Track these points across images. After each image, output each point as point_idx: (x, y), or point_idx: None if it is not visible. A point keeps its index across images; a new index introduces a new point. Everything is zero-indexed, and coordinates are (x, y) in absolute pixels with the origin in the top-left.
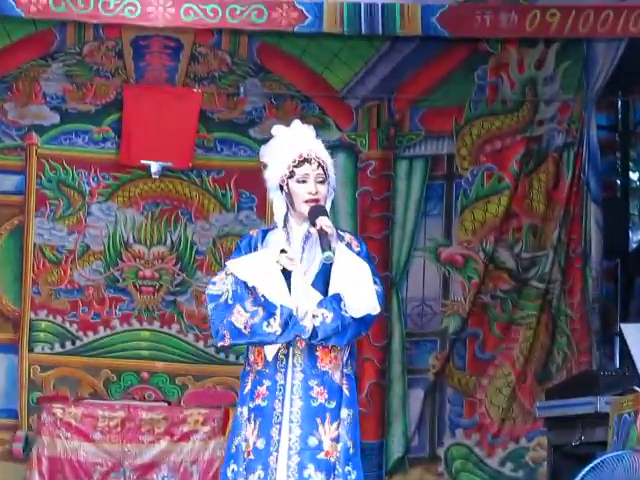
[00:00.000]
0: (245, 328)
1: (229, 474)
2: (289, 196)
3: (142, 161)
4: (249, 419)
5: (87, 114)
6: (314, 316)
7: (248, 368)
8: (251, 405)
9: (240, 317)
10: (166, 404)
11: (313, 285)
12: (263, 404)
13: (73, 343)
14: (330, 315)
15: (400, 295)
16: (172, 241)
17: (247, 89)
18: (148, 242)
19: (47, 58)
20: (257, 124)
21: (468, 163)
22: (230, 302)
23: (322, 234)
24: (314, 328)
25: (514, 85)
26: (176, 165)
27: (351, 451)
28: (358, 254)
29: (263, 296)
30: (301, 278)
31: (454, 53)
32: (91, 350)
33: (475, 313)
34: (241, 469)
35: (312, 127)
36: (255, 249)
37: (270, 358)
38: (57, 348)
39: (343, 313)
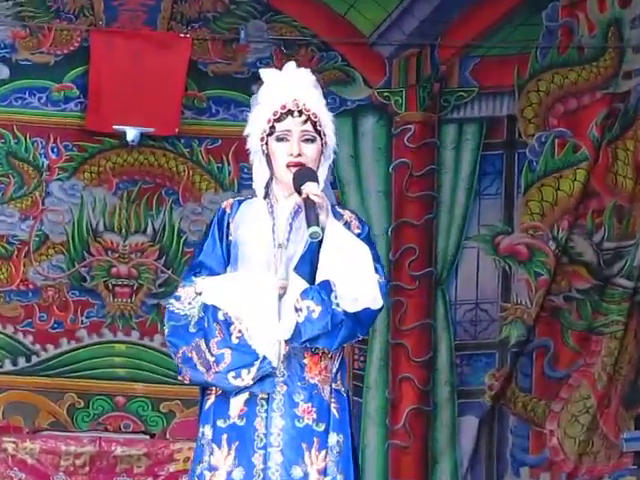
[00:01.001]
0: (207, 373)
1: None
2: (269, 159)
3: (115, 127)
4: (217, 441)
5: (44, 67)
6: (297, 310)
7: None
8: (221, 424)
9: (201, 358)
10: (148, 437)
11: (297, 270)
12: (241, 423)
13: (28, 360)
14: (318, 309)
15: (447, 297)
16: (154, 229)
17: (249, 34)
18: (123, 230)
19: None
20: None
21: (534, 128)
22: (192, 330)
23: (308, 204)
24: (297, 326)
25: (593, 28)
26: (159, 131)
27: None
28: (357, 237)
29: (240, 335)
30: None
31: None
32: (51, 368)
33: (544, 319)
34: None
35: (309, 71)
36: (228, 229)
37: (234, 415)
38: (7, 366)
39: (334, 307)
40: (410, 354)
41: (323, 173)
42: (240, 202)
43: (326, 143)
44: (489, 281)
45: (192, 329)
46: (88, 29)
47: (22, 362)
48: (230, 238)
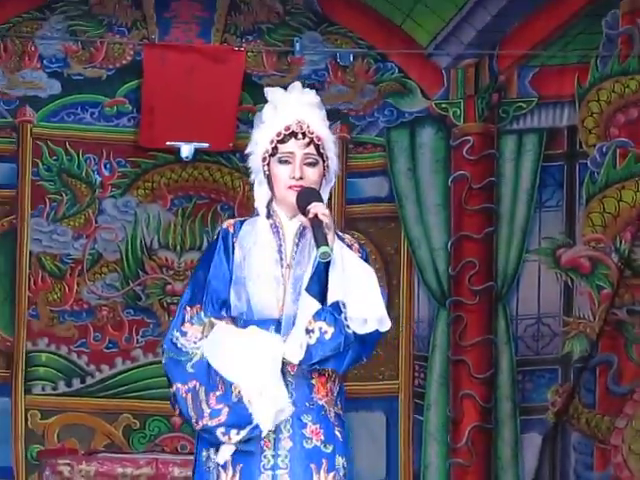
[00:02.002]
0: (197, 422)
1: None
2: (269, 180)
3: (169, 142)
4: (223, 464)
5: (97, 81)
6: (309, 331)
7: None
8: None
9: (196, 407)
10: None
11: (307, 291)
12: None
13: (83, 381)
14: (330, 330)
15: (508, 311)
16: None
17: (304, 45)
18: (178, 247)
19: (43, 9)
20: (318, 91)
21: (595, 138)
22: (190, 371)
23: (316, 224)
24: (308, 348)
25: None
26: (213, 147)
27: None
28: None
29: (239, 396)
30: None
31: None
32: (106, 389)
33: (608, 334)
34: None
35: (314, 92)
36: (233, 248)
37: (221, 462)
38: (62, 387)
39: (346, 329)
40: (471, 371)
41: (324, 196)
42: (242, 222)
43: (328, 166)
44: (551, 295)
45: (190, 369)
46: (141, 43)
47: (77, 383)
48: (235, 257)
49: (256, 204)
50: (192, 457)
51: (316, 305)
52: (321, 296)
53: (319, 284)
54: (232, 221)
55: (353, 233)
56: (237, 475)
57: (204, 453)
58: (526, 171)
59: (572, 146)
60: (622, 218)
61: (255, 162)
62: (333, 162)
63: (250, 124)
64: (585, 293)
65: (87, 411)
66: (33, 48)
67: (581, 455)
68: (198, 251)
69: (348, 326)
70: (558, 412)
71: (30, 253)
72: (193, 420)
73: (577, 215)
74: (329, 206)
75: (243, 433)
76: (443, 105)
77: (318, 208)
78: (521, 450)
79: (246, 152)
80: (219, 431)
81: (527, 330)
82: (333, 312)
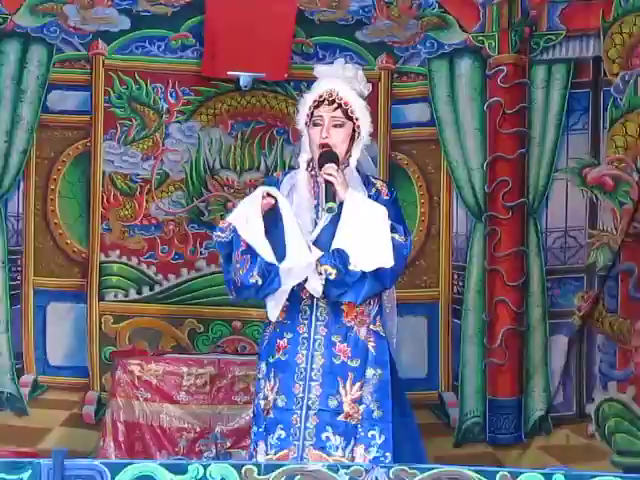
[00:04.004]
0: (237, 279)
1: (252, 437)
2: (308, 141)
3: (229, 72)
4: (268, 375)
5: (163, 17)
6: (319, 273)
7: (267, 320)
8: (270, 360)
9: (233, 268)
10: None
11: (319, 240)
12: (284, 358)
13: (151, 289)
14: (334, 272)
15: (539, 225)
16: (267, 166)
17: None
18: (238, 168)
19: None
20: (366, 26)
21: (619, 67)
22: (232, 249)
23: (327, 183)
24: (324, 285)
25: None
26: (269, 77)
27: (376, 414)
28: (385, 202)
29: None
30: (295, 228)
31: None
32: (173, 296)
33: (629, 245)
34: (261, 429)
35: (356, 66)
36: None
37: (273, 319)
38: (132, 295)
39: (351, 267)
40: (505, 279)
41: (356, 153)
42: (286, 173)
43: (358, 127)
44: (577, 210)
45: (232, 249)
46: None
47: (146, 291)
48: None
49: (299, 159)
50: (251, 357)
51: (319, 252)
52: (330, 243)
53: (331, 235)
54: (279, 172)
55: (384, 180)
56: (277, 384)
57: (258, 365)
58: (555, 98)
59: (597, 75)
60: None
61: (300, 126)
62: (364, 123)
63: (303, 56)
64: (608, 208)
65: (155, 316)
66: None
67: (605, 355)
68: (256, 171)
69: (355, 265)
70: (584, 316)
71: (103, 173)
72: (237, 281)
73: (601, 137)
74: (376, 132)
75: (256, 268)
76: (479, 38)
77: (327, 169)
78: (550, 350)
79: (296, 119)
80: (249, 277)
81: (555, 242)
82: (335, 257)
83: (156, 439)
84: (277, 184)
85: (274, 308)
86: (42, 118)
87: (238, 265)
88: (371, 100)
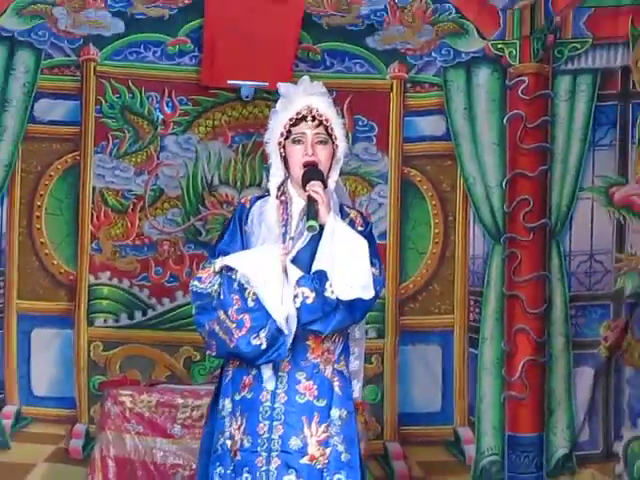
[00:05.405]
0: (229, 340)
1: (216, 478)
2: (285, 160)
3: (229, 81)
4: (234, 413)
5: (159, 21)
6: (295, 296)
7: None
8: (237, 397)
9: (222, 328)
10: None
11: (296, 260)
12: (249, 396)
13: (144, 313)
14: (312, 295)
15: (562, 248)
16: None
17: None
18: (238, 183)
19: None
20: (377, 31)
21: None
22: (214, 305)
23: (310, 200)
24: (297, 310)
25: None
26: (273, 85)
27: (344, 457)
28: (359, 233)
29: (255, 297)
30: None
31: None
32: (167, 322)
33: None
34: (228, 471)
35: (321, 84)
36: (246, 221)
37: (271, 388)
38: (124, 320)
39: (327, 294)
40: (525, 305)
41: (334, 175)
42: (257, 199)
43: (337, 146)
44: (603, 232)
45: (215, 305)
46: None
47: (138, 316)
48: (246, 229)
49: (269, 185)
50: None
51: (298, 273)
52: (310, 264)
53: (310, 256)
54: (249, 197)
55: (359, 210)
56: (244, 424)
57: (220, 402)
58: (580, 111)
59: (626, 86)
60: None
61: (271, 147)
62: (342, 143)
63: (309, 63)
64: (637, 230)
65: (148, 343)
66: None
67: (634, 389)
68: (258, 187)
69: (332, 292)
70: (610, 347)
71: (93, 189)
72: (227, 343)
73: (630, 154)
74: (387, 146)
75: (266, 331)
76: (499, 45)
77: (313, 186)
78: (574, 384)
79: (264, 140)
80: (252, 339)
81: (580, 266)
82: (314, 279)
83: (149, 476)
84: (246, 211)
85: (271, 378)
86: (28, 129)
87: (233, 325)
88: (382, 112)
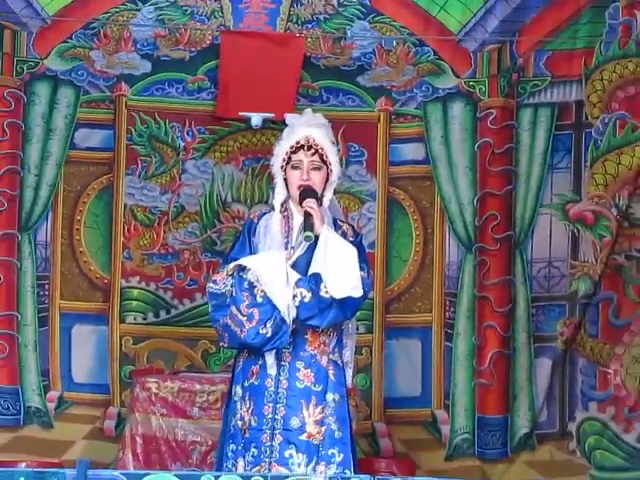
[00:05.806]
0: (240, 331)
1: (229, 454)
2: (286, 182)
3: (241, 113)
4: (244, 398)
5: (181, 62)
6: (294, 296)
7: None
8: (246, 384)
9: (235, 321)
10: None
11: (295, 265)
12: (257, 383)
13: (168, 312)
14: (308, 295)
15: (525, 256)
16: None
17: (355, 33)
18: (248, 201)
19: (137, 1)
20: (366, 71)
21: (599, 111)
22: (228, 302)
23: (306, 215)
24: (296, 308)
25: None
26: (278, 116)
27: (337, 434)
28: (350, 243)
29: (263, 294)
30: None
31: None
32: (188, 319)
33: (608, 275)
34: (239, 447)
35: (321, 115)
36: (254, 234)
37: (273, 373)
38: (151, 318)
39: (322, 293)
40: (493, 305)
41: (329, 194)
42: (263, 214)
43: (331, 171)
44: (560, 242)
45: (228, 302)
46: (218, 29)
47: (163, 314)
48: (254, 239)
49: (274, 202)
50: None
51: (297, 276)
52: (307, 269)
53: (306, 262)
54: (257, 213)
55: (350, 223)
56: (252, 406)
57: (233, 389)
58: (540, 138)
59: (579, 118)
60: (620, 178)
61: (275, 170)
62: (335, 167)
63: (309, 98)
64: (589, 241)
65: (172, 338)
66: (128, 34)
67: (586, 377)
68: (265, 204)
69: (326, 292)
70: (566, 341)
71: (125, 205)
72: (238, 334)
73: (583, 176)
74: (375, 169)
75: (272, 321)
76: (471, 83)
77: (308, 203)
78: (534, 373)
79: (270, 163)
80: (260, 329)
81: (540, 272)
82: (311, 281)
83: (171, 451)
84: (254, 225)
85: (273, 364)
86: (69, 154)
87: (244, 319)
88: (371, 139)
